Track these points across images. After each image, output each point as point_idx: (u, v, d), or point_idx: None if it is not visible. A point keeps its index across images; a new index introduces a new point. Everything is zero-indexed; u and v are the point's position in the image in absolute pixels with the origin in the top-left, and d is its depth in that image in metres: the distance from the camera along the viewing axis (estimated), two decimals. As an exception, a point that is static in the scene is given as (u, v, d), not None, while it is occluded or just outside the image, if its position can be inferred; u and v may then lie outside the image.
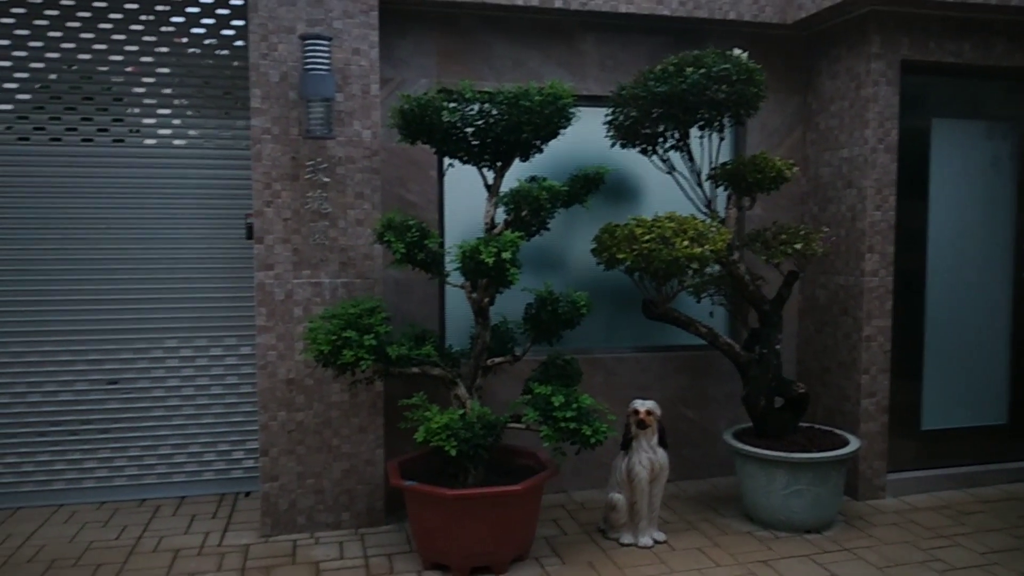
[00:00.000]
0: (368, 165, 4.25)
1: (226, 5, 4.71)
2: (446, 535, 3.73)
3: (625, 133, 4.47)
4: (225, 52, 4.75)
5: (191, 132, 4.75)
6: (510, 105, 3.78)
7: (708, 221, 4.23)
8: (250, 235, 4.22)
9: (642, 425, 4.09)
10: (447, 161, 4.57)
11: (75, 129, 4.62)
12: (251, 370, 4.89)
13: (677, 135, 4.41)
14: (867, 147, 4.69)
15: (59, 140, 4.61)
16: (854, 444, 4.43)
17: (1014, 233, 5.17)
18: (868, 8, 4.60)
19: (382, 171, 4.47)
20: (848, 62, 4.84)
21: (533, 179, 4.02)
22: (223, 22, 4.72)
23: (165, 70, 4.69)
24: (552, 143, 4.07)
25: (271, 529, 4.27)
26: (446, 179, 4.75)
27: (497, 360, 4.11)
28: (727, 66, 4.07)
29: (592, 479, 5.02)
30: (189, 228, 4.78)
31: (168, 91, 4.71)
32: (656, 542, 4.19)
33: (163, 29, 4.65)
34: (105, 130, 4.65)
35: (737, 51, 4.19)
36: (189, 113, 4.75)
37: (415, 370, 3.90)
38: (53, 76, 4.57)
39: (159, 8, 4.63)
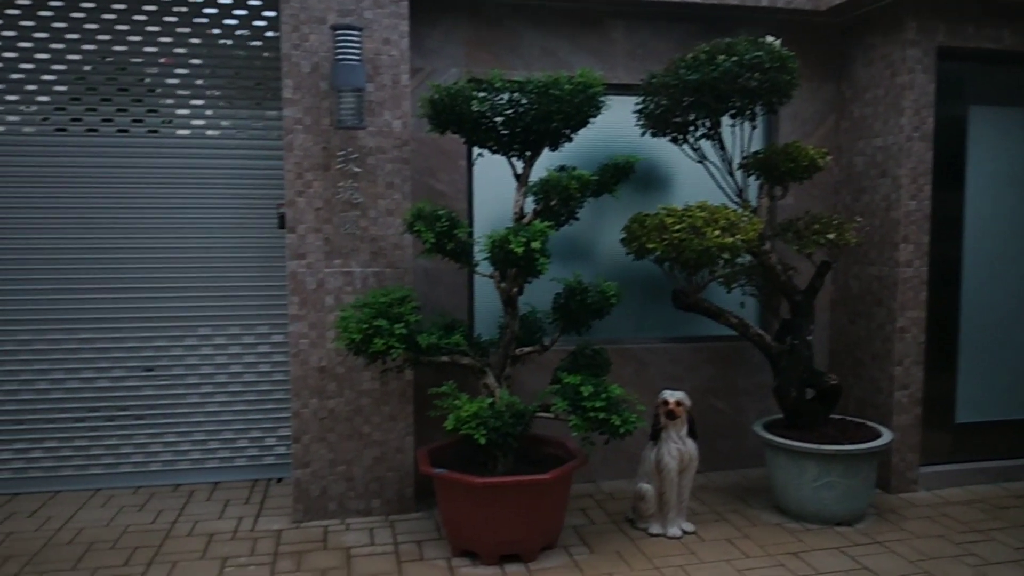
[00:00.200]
0: (398, 155, 4.27)
1: (258, -4, 4.75)
2: (475, 523, 3.76)
3: (656, 122, 4.44)
4: (257, 43, 4.79)
5: (224, 123, 4.80)
6: (540, 94, 3.78)
7: (740, 211, 4.19)
8: (282, 224, 4.27)
9: (672, 416, 4.07)
10: (476, 151, 4.57)
11: (111, 120, 4.69)
12: (283, 358, 4.95)
13: (708, 124, 4.37)
14: (902, 135, 4.62)
15: (95, 131, 4.68)
16: (886, 436, 4.38)
17: (1054, 223, 5.07)
18: (904, -6, 4.52)
19: (412, 161, 4.49)
20: (883, 49, 4.76)
21: (563, 168, 4.02)
22: (255, 13, 4.75)
23: (198, 61, 4.74)
24: (581, 132, 4.06)
25: (303, 515, 4.32)
26: (475, 169, 4.76)
27: (526, 350, 4.12)
28: (760, 54, 4.03)
29: (620, 469, 5.01)
30: (222, 218, 4.84)
31: (201, 82, 4.76)
32: (685, 532, 4.18)
33: (196, 20, 4.70)
34: (140, 121, 4.72)
35: (770, 38, 4.14)
36: (221, 104, 4.80)
37: (444, 359, 3.92)
38: (88, 68, 4.65)
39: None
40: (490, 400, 3.86)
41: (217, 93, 4.79)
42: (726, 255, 3.96)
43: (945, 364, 4.97)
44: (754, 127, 4.48)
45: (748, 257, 4.52)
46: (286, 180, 4.17)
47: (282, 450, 5.00)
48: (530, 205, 4.09)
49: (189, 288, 4.85)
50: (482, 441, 3.64)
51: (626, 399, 3.84)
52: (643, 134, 4.58)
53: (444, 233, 3.79)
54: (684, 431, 4.11)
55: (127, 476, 4.87)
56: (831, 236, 4.26)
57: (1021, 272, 5.05)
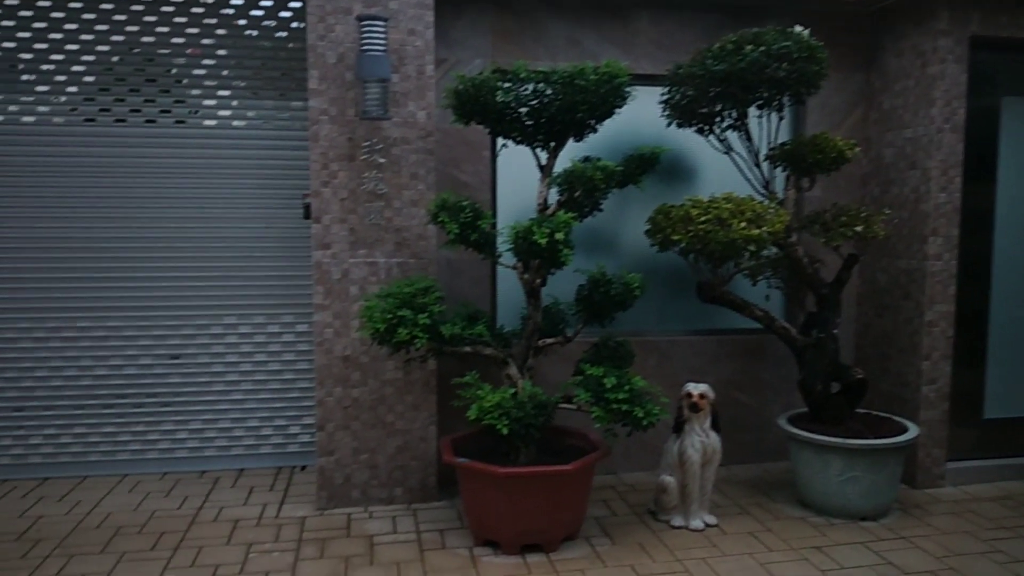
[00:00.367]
0: (423, 146, 4.28)
1: (284, -13, 4.77)
2: (497, 512, 3.77)
3: (681, 112, 4.41)
4: (283, 34, 4.81)
5: (249, 113, 4.83)
6: (565, 85, 3.76)
7: (766, 202, 4.15)
8: (307, 215, 4.29)
9: (695, 408, 4.06)
10: (500, 141, 4.57)
11: (139, 111, 4.74)
12: (307, 347, 4.99)
13: (735, 114, 4.33)
14: (932, 127, 4.55)
15: (123, 121, 4.73)
16: (913, 431, 4.33)
17: (1087, 216, 4.97)
18: (936, -18, 4.45)
19: (436, 152, 4.49)
20: (914, 39, 4.69)
21: (587, 159, 4.00)
22: (281, 3, 4.77)
23: (224, 52, 4.77)
24: (605, 123, 4.03)
25: (326, 502, 4.36)
26: (499, 159, 4.75)
27: (548, 341, 4.11)
28: (788, 43, 3.98)
29: (642, 461, 5.01)
30: (248, 208, 4.88)
31: (227, 73, 4.79)
32: (707, 525, 4.17)
33: (222, 11, 4.73)
34: (167, 111, 4.76)
35: (798, 28, 4.09)
36: (247, 94, 4.82)
37: (467, 349, 3.93)
38: (116, 59, 4.69)
39: (219, -10, 4.72)
40: (513, 391, 3.87)
41: (243, 84, 4.82)
42: (752, 247, 3.92)
43: (973, 359, 4.90)
44: (781, 118, 4.44)
45: (774, 249, 4.48)
46: (311, 170, 4.19)
47: (306, 438, 5.05)
48: (554, 196, 4.08)
49: (215, 277, 4.90)
50: (505, 431, 3.65)
51: (649, 391, 3.83)
52: (668, 125, 4.55)
53: (468, 224, 3.79)
54: (708, 424, 4.10)
55: (154, 462, 4.94)
56: (859, 229, 4.21)
57: (1053, 266, 4.97)
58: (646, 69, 4.82)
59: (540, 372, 4.69)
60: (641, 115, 4.83)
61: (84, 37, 4.64)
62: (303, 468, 5.04)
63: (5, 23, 4.57)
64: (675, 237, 4.04)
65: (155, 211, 4.81)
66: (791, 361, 4.86)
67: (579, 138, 4.04)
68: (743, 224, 3.88)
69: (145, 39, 4.69)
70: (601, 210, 4.07)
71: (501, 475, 3.68)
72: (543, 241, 3.56)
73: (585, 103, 3.78)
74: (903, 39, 4.78)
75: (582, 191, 3.83)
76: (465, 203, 3.82)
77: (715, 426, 4.13)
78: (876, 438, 4.21)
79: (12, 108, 4.64)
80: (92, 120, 4.71)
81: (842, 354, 4.83)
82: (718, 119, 4.38)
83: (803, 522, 4.25)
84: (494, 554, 3.83)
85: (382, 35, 3.98)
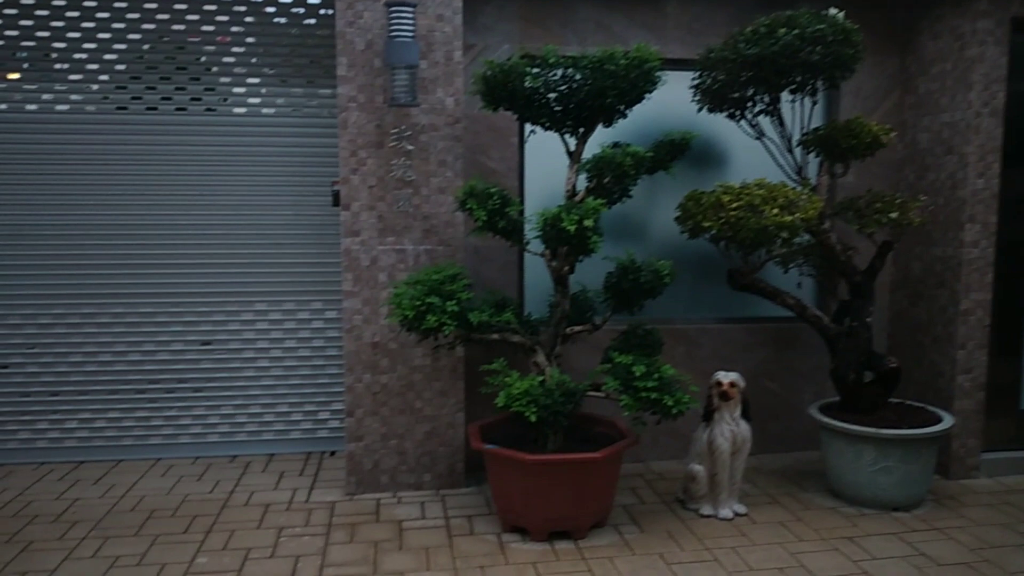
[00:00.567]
0: (451, 132, 4.26)
1: (312, -27, 4.77)
2: (525, 499, 3.78)
3: (712, 97, 4.35)
4: (311, 21, 4.81)
5: (278, 101, 4.85)
6: (594, 70, 3.73)
7: (799, 188, 4.09)
8: (336, 202, 4.30)
9: (725, 397, 4.02)
10: (528, 128, 4.54)
11: (169, 99, 4.78)
12: (336, 333, 5.02)
13: (767, 99, 4.26)
14: (970, 111, 4.45)
15: (155, 109, 4.77)
16: (947, 421, 4.26)
17: None
18: (976, -38, 4.34)
19: (464, 138, 4.48)
20: (952, 21, 4.58)
21: (616, 145, 3.96)
22: (309, -9, 4.78)
23: (253, 40, 4.78)
24: (634, 108, 3.99)
25: (355, 488, 4.39)
26: (527, 146, 4.73)
27: (576, 328, 4.09)
28: (822, 26, 3.90)
29: (670, 450, 4.98)
30: (277, 195, 4.90)
31: (256, 60, 4.81)
32: (737, 514, 4.14)
33: (252, -1, 4.75)
34: (198, 99, 4.79)
35: (832, 11, 4.01)
36: (276, 82, 4.84)
37: (495, 336, 3.93)
38: (147, 47, 4.73)
39: (248, -22, 4.73)
40: (540, 378, 3.86)
41: (272, 71, 4.83)
42: (784, 234, 3.87)
43: (1011, 348, 4.80)
44: (815, 103, 4.36)
45: (807, 237, 4.42)
46: (340, 157, 4.19)
47: (335, 424, 5.08)
48: (582, 182, 4.05)
49: (245, 264, 4.93)
50: (533, 418, 3.64)
51: (679, 379, 3.80)
52: (699, 110, 4.49)
53: (496, 211, 3.78)
54: (738, 412, 4.06)
55: (186, 447, 5.01)
56: (894, 215, 4.14)
57: (1095, 254, 4.85)
58: (676, 53, 4.76)
59: (568, 360, 4.68)
60: (671, 100, 4.78)
61: (116, 25, 4.68)
62: (332, 453, 5.08)
63: (38, 12, 4.61)
64: (706, 224, 3.99)
65: (185, 199, 4.85)
66: (822, 350, 4.80)
67: (608, 124, 4.00)
68: (775, 211, 3.82)
69: (175, 27, 4.72)
70: (630, 196, 4.03)
71: (529, 462, 3.68)
72: (571, 228, 3.53)
73: (615, 88, 3.74)
74: (940, 21, 4.67)
75: (611, 177, 3.80)
76: (493, 190, 3.81)
77: (745, 415, 4.09)
78: (909, 428, 4.14)
79: (46, 97, 4.70)
80: (124, 108, 4.76)
81: (875, 343, 4.76)
82: (750, 104, 4.32)
83: (834, 512, 4.20)
84: (522, 541, 3.83)
85: (410, 21, 3.96)
